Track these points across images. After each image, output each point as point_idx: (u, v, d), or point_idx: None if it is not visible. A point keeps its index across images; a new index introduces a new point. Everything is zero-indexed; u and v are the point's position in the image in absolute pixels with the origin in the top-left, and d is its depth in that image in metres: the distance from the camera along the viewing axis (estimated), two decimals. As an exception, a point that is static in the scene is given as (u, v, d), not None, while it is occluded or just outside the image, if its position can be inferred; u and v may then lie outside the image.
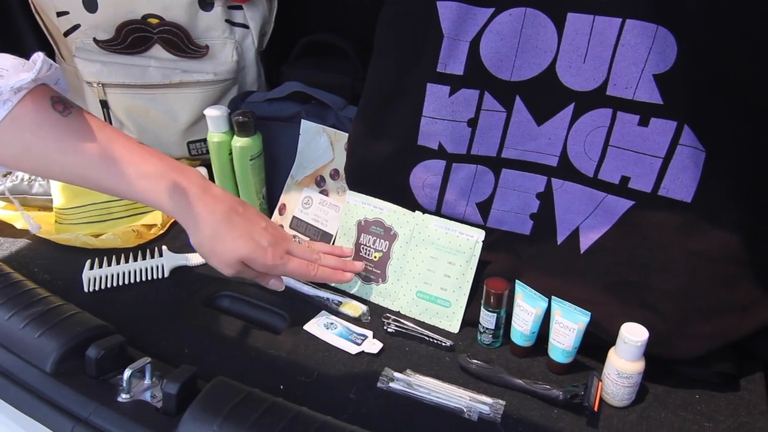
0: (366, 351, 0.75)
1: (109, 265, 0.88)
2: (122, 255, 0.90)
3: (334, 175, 0.92)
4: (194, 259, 0.91)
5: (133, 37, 1.03)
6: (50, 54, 1.12)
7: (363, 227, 0.86)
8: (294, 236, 0.75)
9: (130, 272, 0.87)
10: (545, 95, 0.72)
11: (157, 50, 1.04)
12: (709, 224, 0.67)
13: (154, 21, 1.03)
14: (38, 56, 0.59)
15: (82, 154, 0.61)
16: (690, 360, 0.70)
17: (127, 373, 0.62)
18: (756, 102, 0.63)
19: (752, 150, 0.65)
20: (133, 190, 0.64)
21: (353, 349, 0.75)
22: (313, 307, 0.83)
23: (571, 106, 0.72)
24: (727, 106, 0.64)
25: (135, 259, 0.90)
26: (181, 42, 1.04)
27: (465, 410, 0.66)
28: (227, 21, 1.06)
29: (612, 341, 0.68)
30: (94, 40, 1.02)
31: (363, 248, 0.86)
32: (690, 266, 0.68)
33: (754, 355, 0.74)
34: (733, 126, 0.65)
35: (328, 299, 0.83)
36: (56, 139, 0.60)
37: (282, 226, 0.96)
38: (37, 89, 0.60)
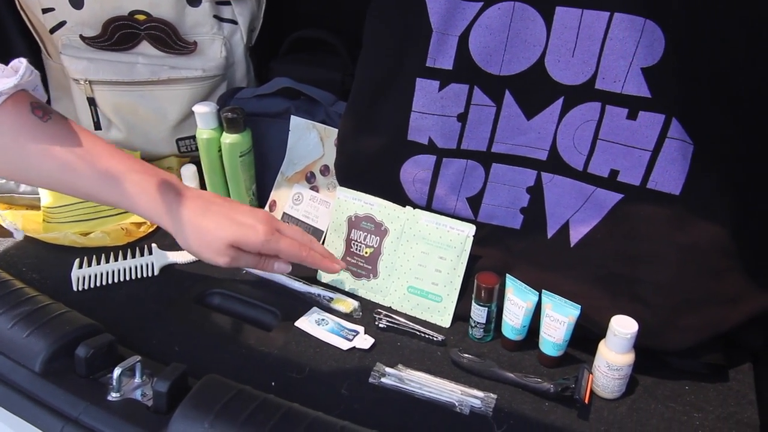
0: (357, 346, 0.75)
1: (98, 263, 0.87)
2: (111, 253, 0.89)
3: (325, 171, 0.92)
4: (184, 257, 0.90)
5: (120, 34, 1.02)
6: (36, 51, 1.10)
7: (353, 223, 0.86)
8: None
9: (119, 271, 0.87)
10: (534, 89, 0.72)
11: (145, 47, 1.03)
12: (698, 217, 0.67)
13: (141, 17, 1.02)
14: (20, 62, 0.60)
15: (61, 158, 0.62)
16: (679, 351, 0.70)
17: (116, 371, 0.62)
18: (743, 94, 0.64)
19: (740, 142, 0.66)
20: (111, 193, 0.64)
21: (345, 344, 0.75)
22: (305, 303, 0.83)
23: (560, 100, 0.72)
24: (715, 99, 0.65)
25: (124, 258, 0.89)
26: (169, 38, 1.03)
27: (457, 404, 0.66)
28: (215, 17, 1.06)
29: (602, 334, 0.68)
30: (81, 36, 1.01)
31: (354, 244, 0.86)
32: (679, 259, 0.69)
33: (742, 345, 0.74)
34: (720, 119, 0.65)
35: (319, 295, 0.83)
36: (35, 143, 0.61)
37: (272, 222, 0.96)
38: (16, 95, 0.61)
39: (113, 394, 0.62)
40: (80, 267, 0.86)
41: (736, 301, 0.69)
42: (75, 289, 0.84)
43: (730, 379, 0.72)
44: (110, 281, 0.85)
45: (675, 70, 0.64)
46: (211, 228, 0.67)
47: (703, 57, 0.63)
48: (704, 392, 0.70)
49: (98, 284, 0.85)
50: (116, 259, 0.88)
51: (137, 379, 0.64)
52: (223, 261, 0.68)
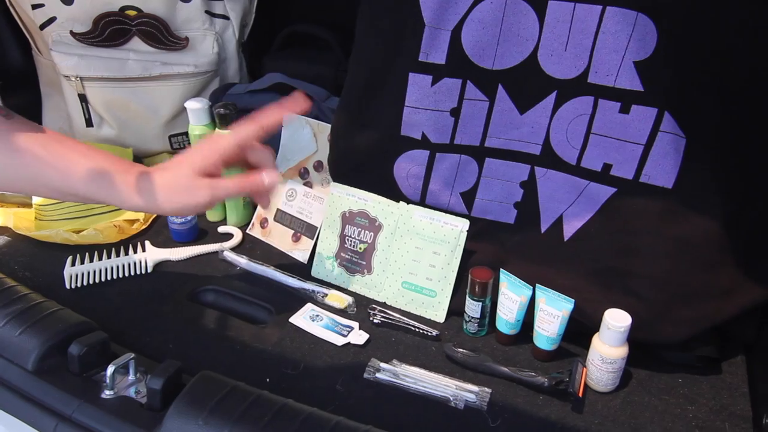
0: (352, 342, 0.75)
1: (91, 261, 0.87)
2: (104, 251, 0.89)
3: (318, 167, 0.92)
4: (178, 254, 0.90)
5: (111, 30, 1.01)
6: (26, 48, 1.10)
7: (347, 219, 0.85)
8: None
9: (112, 268, 0.86)
10: (527, 84, 0.72)
11: (136, 43, 1.03)
12: (690, 210, 0.68)
13: (132, 13, 1.01)
14: None
15: (26, 154, 0.61)
16: (672, 344, 0.71)
17: (110, 369, 0.61)
18: (736, 88, 0.64)
19: (732, 136, 0.66)
20: (77, 185, 0.62)
21: (339, 340, 0.75)
22: (299, 299, 0.82)
23: (553, 95, 0.72)
24: (707, 93, 0.65)
25: (117, 255, 0.89)
26: (161, 34, 1.02)
27: (451, 399, 0.67)
28: (207, 12, 1.05)
29: (596, 327, 0.68)
30: (71, 32, 1.00)
31: (348, 240, 0.86)
32: (672, 252, 0.69)
33: (735, 338, 0.75)
34: (713, 112, 0.65)
35: (313, 291, 0.83)
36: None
37: (267, 219, 0.96)
38: None
39: (107, 392, 0.62)
40: (73, 265, 0.86)
41: (729, 294, 0.69)
42: (68, 286, 0.83)
43: (723, 371, 0.73)
44: (103, 279, 0.85)
45: (667, 64, 0.64)
46: (173, 168, 0.63)
47: (695, 50, 0.63)
48: (697, 385, 0.70)
49: (91, 282, 0.84)
50: (109, 257, 0.88)
51: (131, 377, 0.64)
52: (202, 196, 0.63)
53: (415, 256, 0.81)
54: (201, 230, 0.96)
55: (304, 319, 0.78)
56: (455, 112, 0.76)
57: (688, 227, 0.68)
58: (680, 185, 0.68)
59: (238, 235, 0.95)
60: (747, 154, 0.66)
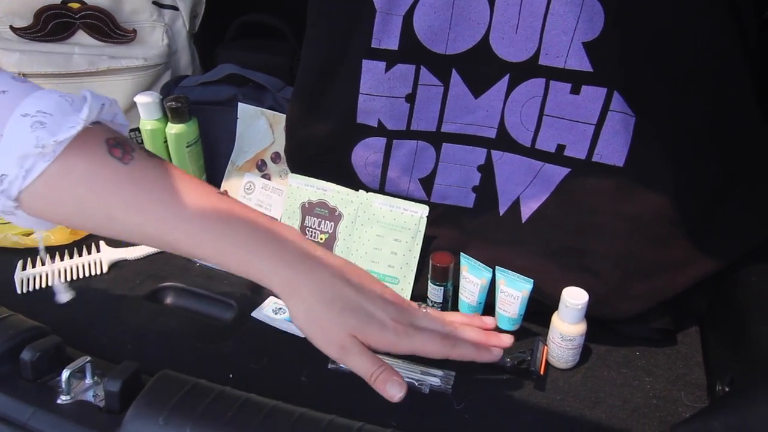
0: (316, 333, 0.74)
1: (43, 264, 0.84)
2: (57, 253, 0.86)
3: (276, 158, 0.91)
4: (134, 252, 0.88)
5: (53, 23, 0.97)
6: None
7: (307, 209, 0.85)
8: (419, 304, 0.60)
9: (65, 270, 0.84)
10: (480, 67, 0.72)
11: (81, 36, 0.99)
12: (641, 187, 0.69)
13: (75, 5, 0.97)
14: (87, 94, 0.49)
15: (149, 212, 0.50)
16: (629, 319, 0.73)
17: (65, 373, 0.59)
18: (681, 67, 0.65)
19: (679, 113, 0.67)
20: (217, 257, 0.52)
21: (303, 332, 0.74)
22: (261, 293, 0.81)
23: (506, 78, 0.72)
24: (654, 71, 0.66)
25: (71, 257, 0.86)
26: (106, 26, 0.99)
27: (417, 383, 0.67)
28: (155, 3, 1.02)
29: (555, 306, 0.70)
30: (11, 27, 0.96)
31: (308, 231, 0.85)
32: (625, 229, 0.70)
33: (689, 309, 0.77)
34: (660, 91, 0.67)
35: (275, 284, 0.82)
36: (116, 193, 0.50)
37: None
38: (88, 131, 0.49)
39: (63, 397, 0.60)
40: (24, 268, 0.83)
41: (681, 267, 0.71)
42: (19, 291, 0.80)
43: (678, 342, 0.75)
44: (57, 281, 0.82)
45: (614, 44, 0.65)
46: (335, 312, 0.52)
47: (642, 30, 0.64)
48: (654, 357, 0.73)
49: (44, 285, 0.82)
50: (62, 259, 0.85)
51: (88, 380, 0.62)
52: (333, 351, 0.53)
53: (377, 244, 0.81)
54: (158, 227, 0.94)
55: (266, 312, 0.78)
56: (410, 98, 0.76)
57: (640, 204, 0.69)
58: (631, 163, 0.69)
59: (196, 231, 0.93)
60: (694, 130, 0.68)
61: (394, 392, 0.53)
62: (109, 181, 0.49)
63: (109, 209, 0.50)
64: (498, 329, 0.74)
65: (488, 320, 0.62)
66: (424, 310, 0.58)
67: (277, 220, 0.55)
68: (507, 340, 0.60)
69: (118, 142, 0.50)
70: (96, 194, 0.49)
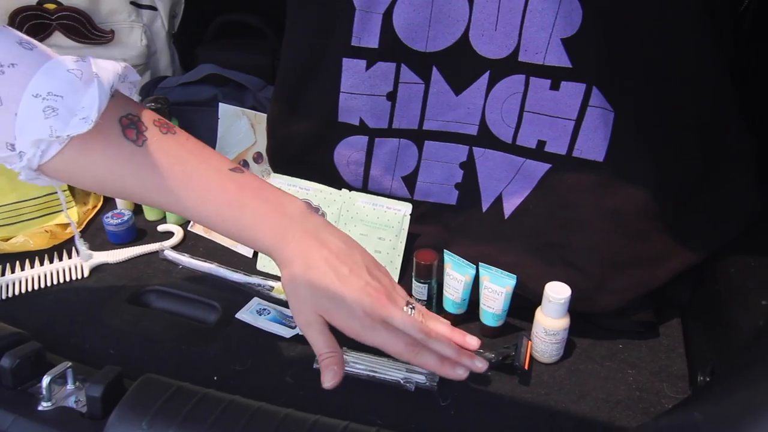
0: (301, 333, 0.74)
1: (23, 269, 0.83)
2: (36, 258, 0.85)
3: (258, 158, 0.90)
4: (115, 256, 0.87)
5: (29, 25, 0.96)
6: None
7: (290, 209, 0.84)
8: (408, 303, 0.59)
9: (45, 275, 0.82)
10: (461, 65, 0.73)
11: (58, 38, 0.98)
12: (621, 181, 0.70)
13: (51, 6, 0.96)
14: (95, 80, 0.49)
15: (165, 192, 0.54)
16: (611, 312, 0.73)
17: (46, 379, 0.59)
18: (658, 62, 0.66)
19: (656, 107, 0.68)
20: (225, 231, 0.56)
21: (288, 332, 0.74)
22: (245, 294, 0.81)
23: (486, 74, 0.72)
24: (632, 67, 0.67)
25: (51, 261, 0.85)
26: (84, 27, 0.98)
27: (402, 381, 0.67)
28: (133, 3, 1.01)
29: (539, 301, 0.70)
30: (-15, 29, 0.94)
31: (292, 231, 0.84)
32: (606, 223, 0.71)
33: (671, 302, 0.78)
34: (638, 86, 0.67)
35: (259, 285, 0.82)
36: (133, 176, 0.53)
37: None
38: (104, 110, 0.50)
39: (44, 404, 0.59)
40: (3, 274, 0.82)
41: (661, 260, 0.72)
42: (-2, 297, 0.79)
43: (660, 334, 0.76)
44: (36, 287, 0.81)
45: (593, 40, 0.66)
46: (309, 292, 0.56)
47: (620, 26, 0.65)
48: (637, 349, 0.73)
49: (23, 291, 0.80)
50: (42, 263, 0.84)
51: (69, 386, 0.61)
52: (300, 321, 0.57)
53: (361, 243, 0.81)
54: (140, 230, 0.93)
55: (250, 313, 0.77)
56: (391, 96, 0.76)
57: (620, 198, 0.70)
58: (610, 158, 0.70)
59: (179, 233, 0.92)
60: (672, 125, 0.69)
61: (327, 378, 0.55)
62: (125, 166, 0.52)
63: (126, 188, 0.54)
64: (483, 326, 0.74)
65: (471, 340, 0.61)
66: (413, 306, 0.59)
67: (286, 193, 0.59)
68: (479, 364, 0.59)
69: (131, 121, 0.52)
70: (114, 175, 0.53)
